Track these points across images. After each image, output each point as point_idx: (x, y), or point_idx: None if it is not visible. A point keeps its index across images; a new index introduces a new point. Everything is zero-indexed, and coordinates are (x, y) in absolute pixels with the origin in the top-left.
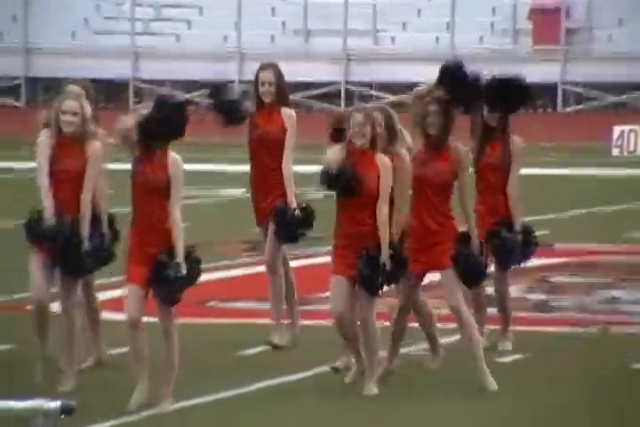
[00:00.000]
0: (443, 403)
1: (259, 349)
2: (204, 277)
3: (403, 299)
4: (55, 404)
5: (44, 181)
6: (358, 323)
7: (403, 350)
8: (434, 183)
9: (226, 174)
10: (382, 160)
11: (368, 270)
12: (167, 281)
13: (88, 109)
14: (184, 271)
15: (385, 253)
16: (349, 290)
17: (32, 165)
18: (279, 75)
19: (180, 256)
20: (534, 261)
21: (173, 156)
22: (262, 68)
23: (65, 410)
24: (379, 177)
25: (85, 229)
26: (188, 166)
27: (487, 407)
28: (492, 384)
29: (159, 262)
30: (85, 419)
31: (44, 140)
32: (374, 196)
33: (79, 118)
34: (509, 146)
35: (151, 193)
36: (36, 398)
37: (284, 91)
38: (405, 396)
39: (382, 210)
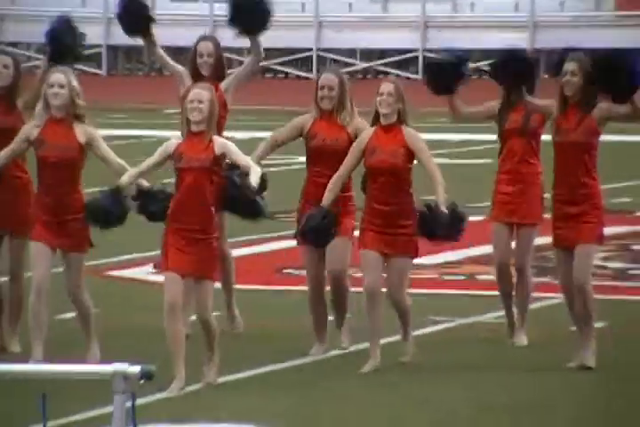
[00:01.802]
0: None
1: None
2: (279, 245)
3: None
4: (135, 368)
5: None
6: None
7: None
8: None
9: None
10: (409, 132)
11: (428, 220)
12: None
13: (77, 83)
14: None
15: (443, 202)
16: (382, 265)
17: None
18: (218, 47)
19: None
20: (614, 229)
21: None
22: (202, 39)
23: (144, 375)
24: (407, 151)
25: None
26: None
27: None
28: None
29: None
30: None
31: None
32: (404, 172)
33: (66, 91)
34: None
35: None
36: (118, 362)
37: (222, 64)
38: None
39: (436, 171)
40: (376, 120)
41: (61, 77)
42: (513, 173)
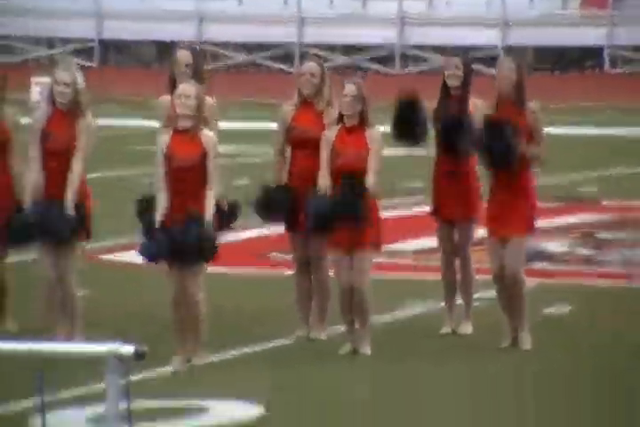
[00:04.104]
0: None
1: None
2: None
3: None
4: (129, 348)
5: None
6: None
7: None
8: None
9: None
10: (370, 134)
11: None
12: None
13: (81, 80)
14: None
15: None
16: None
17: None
18: (196, 55)
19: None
20: (581, 217)
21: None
22: (180, 47)
23: (137, 355)
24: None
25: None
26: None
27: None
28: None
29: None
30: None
31: None
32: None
33: (71, 89)
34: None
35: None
36: (111, 342)
37: (201, 72)
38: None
39: (372, 169)
40: (340, 120)
41: (66, 76)
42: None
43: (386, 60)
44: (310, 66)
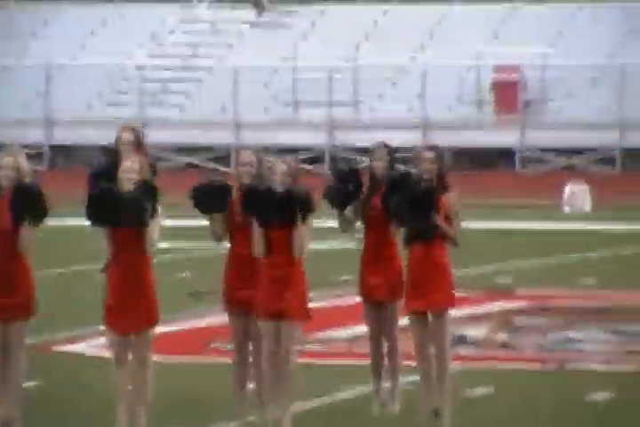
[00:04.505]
0: None
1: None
2: (207, 322)
3: None
4: None
5: None
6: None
7: None
8: None
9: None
10: None
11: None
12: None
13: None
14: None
15: None
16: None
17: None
18: (138, 135)
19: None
20: (501, 304)
21: None
22: (123, 127)
23: None
24: None
25: None
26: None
27: None
28: None
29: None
30: None
31: None
32: None
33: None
34: None
35: None
36: None
37: (144, 148)
38: None
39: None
40: None
41: (10, 161)
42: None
43: (316, 160)
44: (248, 154)
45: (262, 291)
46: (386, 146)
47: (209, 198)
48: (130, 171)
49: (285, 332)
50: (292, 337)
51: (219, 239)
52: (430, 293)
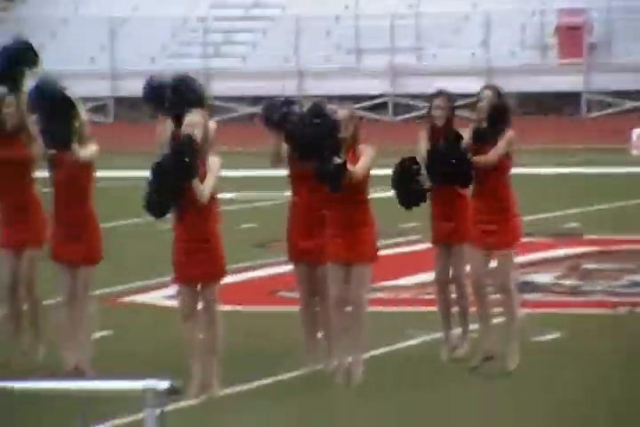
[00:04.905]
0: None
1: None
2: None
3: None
4: (164, 384)
5: None
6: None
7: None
8: None
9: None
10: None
11: None
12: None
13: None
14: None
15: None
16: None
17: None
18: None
19: None
20: (567, 250)
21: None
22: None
23: (172, 390)
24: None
25: None
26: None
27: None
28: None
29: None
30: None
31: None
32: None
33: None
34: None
35: None
36: (147, 378)
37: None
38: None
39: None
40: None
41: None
42: None
43: (378, 108)
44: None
45: (331, 233)
46: (446, 94)
47: (278, 111)
48: (190, 124)
49: (356, 274)
50: (363, 280)
51: (276, 162)
52: (495, 233)
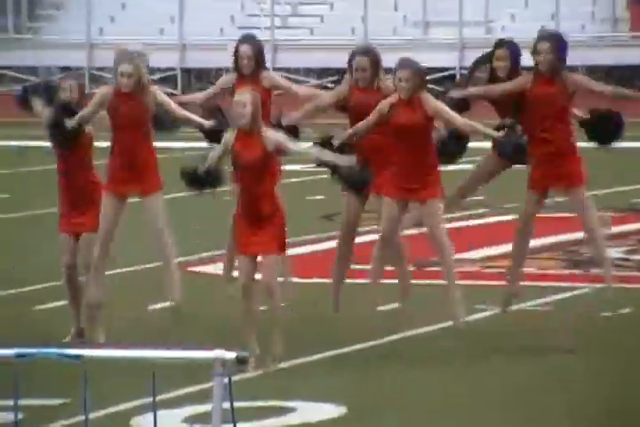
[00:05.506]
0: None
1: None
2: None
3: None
4: (231, 354)
5: None
6: None
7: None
8: None
9: None
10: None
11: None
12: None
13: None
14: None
15: None
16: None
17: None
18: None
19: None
20: (636, 226)
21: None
22: (242, 41)
23: (239, 360)
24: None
25: None
26: None
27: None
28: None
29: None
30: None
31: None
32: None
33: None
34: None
35: None
36: (216, 348)
37: (261, 61)
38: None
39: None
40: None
41: (129, 68)
42: None
43: (446, 81)
44: (361, 60)
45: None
46: (507, 45)
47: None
48: (239, 104)
49: (427, 210)
50: (436, 213)
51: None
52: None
